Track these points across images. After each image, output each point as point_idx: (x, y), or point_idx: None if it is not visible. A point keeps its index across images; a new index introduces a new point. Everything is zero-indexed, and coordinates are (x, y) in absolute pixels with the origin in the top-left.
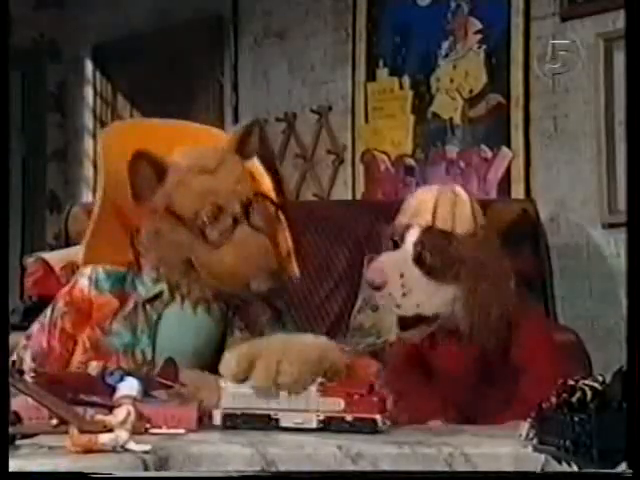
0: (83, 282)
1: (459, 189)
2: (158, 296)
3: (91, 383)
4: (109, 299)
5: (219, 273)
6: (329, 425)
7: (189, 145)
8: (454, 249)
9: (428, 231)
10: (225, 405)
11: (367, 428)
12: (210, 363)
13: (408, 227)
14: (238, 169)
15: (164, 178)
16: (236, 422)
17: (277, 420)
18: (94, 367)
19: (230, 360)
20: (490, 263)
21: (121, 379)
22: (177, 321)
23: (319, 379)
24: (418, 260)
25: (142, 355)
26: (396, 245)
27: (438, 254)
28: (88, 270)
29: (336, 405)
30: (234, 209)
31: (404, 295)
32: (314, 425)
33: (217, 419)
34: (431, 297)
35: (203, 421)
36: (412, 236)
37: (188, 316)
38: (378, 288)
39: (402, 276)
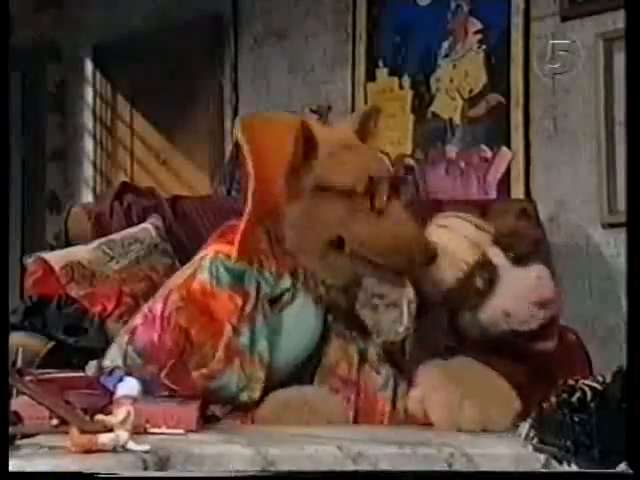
0: (203, 276)
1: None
2: (281, 296)
3: (90, 383)
4: (231, 294)
5: (379, 243)
6: None
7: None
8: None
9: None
10: None
11: None
12: (306, 364)
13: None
14: (371, 149)
15: (315, 153)
16: None
17: None
18: (92, 367)
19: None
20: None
21: (121, 379)
22: (295, 321)
23: None
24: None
25: (259, 357)
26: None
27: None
28: (207, 263)
29: None
30: (385, 184)
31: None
32: None
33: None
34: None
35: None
36: (495, 253)
37: (305, 316)
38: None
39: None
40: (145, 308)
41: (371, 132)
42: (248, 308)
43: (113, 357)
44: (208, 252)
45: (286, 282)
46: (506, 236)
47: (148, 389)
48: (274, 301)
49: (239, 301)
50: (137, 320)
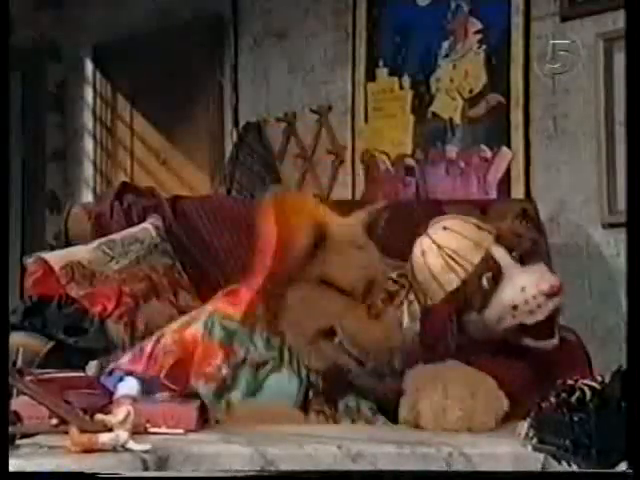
0: (197, 326)
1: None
2: (267, 362)
3: (90, 383)
4: (216, 350)
5: (367, 344)
6: None
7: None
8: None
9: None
10: None
11: None
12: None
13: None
14: (376, 249)
15: (322, 248)
16: None
17: None
18: (92, 367)
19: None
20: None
21: (121, 379)
22: (277, 387)
23: None
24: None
25: (227, 406)
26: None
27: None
28: (204, 317)
29: None
30: (385, 286)
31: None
32: None
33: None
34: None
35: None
36: (498, 252)
37: (288, 385)
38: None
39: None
40: (137, 347)
41: (379, 228)
42: (234, 363)
43: None
44: (208, 308)
45: (274, 352)
46: (507, 236)
47: (148, 389)
48: (260, 364)
49: (222, 356)
50: (126, 357)
